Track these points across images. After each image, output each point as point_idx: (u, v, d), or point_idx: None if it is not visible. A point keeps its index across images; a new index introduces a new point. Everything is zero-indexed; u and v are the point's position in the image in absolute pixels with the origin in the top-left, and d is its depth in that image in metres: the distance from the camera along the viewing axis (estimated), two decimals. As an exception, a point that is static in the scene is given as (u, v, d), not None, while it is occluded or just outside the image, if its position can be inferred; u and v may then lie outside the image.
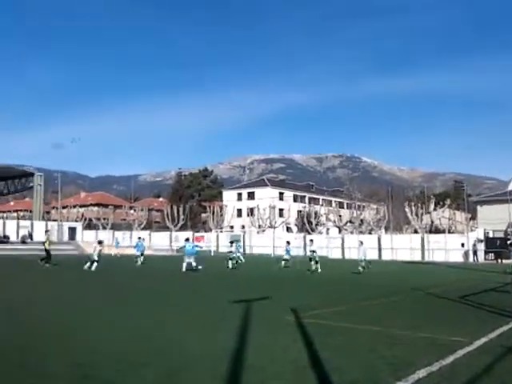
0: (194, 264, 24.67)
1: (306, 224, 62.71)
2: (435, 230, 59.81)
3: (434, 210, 62.82)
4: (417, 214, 52.76)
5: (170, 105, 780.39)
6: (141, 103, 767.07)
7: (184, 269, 24.65)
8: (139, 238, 36.15)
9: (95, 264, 24.98)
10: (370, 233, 59.09)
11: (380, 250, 49.01)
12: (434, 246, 46.62)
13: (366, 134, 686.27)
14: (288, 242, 34.80)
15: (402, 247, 48.03)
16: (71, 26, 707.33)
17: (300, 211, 76.69)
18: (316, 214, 65.81)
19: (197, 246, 28.18)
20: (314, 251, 27.37)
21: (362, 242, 29.50)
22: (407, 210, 53.56)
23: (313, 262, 26.38)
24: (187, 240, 27.42)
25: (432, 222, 59.72)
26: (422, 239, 47.78)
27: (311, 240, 32.06)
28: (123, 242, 66.34)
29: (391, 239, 50.35)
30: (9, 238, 61.75)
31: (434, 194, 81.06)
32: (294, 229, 75.50)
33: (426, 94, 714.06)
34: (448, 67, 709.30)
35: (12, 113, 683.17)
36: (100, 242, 27.36)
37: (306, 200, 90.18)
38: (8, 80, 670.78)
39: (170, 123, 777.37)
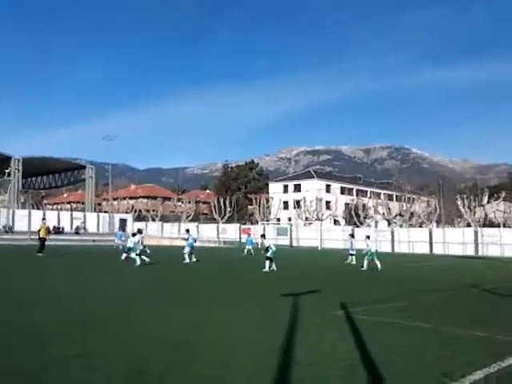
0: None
1: (354, 217, 61.82)
2: (489, 223, 57.63)
3: (488, 202, 60.40)
4: (469, 207, 50.97)
5: (217, 98, 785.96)
6: (189, 96, 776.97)
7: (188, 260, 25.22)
8: (187, 230, 30.51)
9: (136, 257, 23.14)
10: (420, 226, 57.62)
11: (431, 244, 47.70)
12: (488, 240, 44.87)
13: (416, 125, 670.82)
14: (352, 236, 31.10)
15: (454, 241, 46.52)
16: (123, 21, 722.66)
17: (347, 204, 75.71)
18: (364, 206, 64.74)
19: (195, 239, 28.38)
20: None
21: (368, 237, 26.81)
22: (459, 202, 51.82)
23: (366, 259, 23.80)
24: (188, 231, 28.17)
25: (486, 215, 57.48)
26: (476, 233, 46.08)
27: (367, 236, 27.46)
28: (170, 234, 67.58)
29: (443, 233, 48.86)
30: (63, 229, 64.06)
31: (487, 187, 78.14)
32: (342, 221, 74.62)
33: (481, 83, 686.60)
34: (507, 56, 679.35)
35: (64, 108, 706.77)
36: (140, 232, 25.53)
37: (354, 192, 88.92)
38: (61, 76, 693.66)
39: (217, 116, 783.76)
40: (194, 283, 16.29)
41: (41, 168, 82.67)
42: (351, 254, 27.77)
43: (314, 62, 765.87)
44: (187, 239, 27.10)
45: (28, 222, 56.08)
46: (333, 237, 54.19)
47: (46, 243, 28.92)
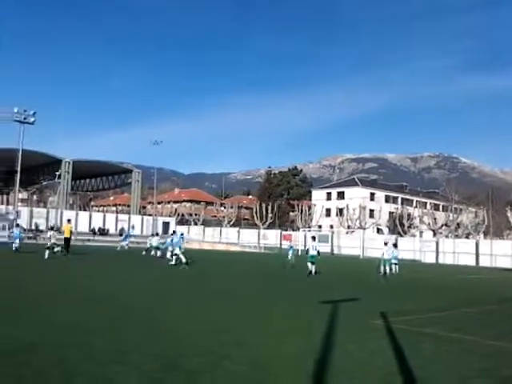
0: (159, 254, 25.77)
1: (398, 226, 60.58)
2: (541, 236, 55.26)
3: (541, 214, 57.94)
4: (520, 219, 49.09)
5: (262, 104, 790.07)
6: (233, 102, 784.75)
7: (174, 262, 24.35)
8: (174, 231, 30.29)
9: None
10: (466, 237, 55.91)
11: (477, 255, 46.14)
12: (539, 254, 43.04)
13: (466, 134, 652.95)
14: (395, 245, 30.66)
15: (502, 254, 44.81)
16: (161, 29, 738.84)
17: (392, 212, 74.32)
18: (409, 215, 63.39)
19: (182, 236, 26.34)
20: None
21: (393, 244, 28.56)
22: (509, 214, 49.94)
23: (385, 266, 25.01)
24: (174, 232, 27.91)
25: (538, 227, 55.17)
26: (526, 246, 44.29)
27: (394, 244, 29.67)
28: (212, 238, 68.13)
29: (491, 245, 47.13)
30: (108, 231, 65.68)
31: (540, 198, 74.94)
32: (385, 230, 73.26)
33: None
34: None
35: (114, 113, 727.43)
36: (157, 234, 26.32)
37: (399, 201, 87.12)
38: (111, 81, 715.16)
39: (261, 122, 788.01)
40: (231, 286, 16.27)
41: (89, 171, 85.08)
42: (395, 264, 26.94)
43: (359, 68, 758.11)
44: (171, 240, 26.73)
45: (75, 223, 57.75)
46: (375, 245, 53.21)
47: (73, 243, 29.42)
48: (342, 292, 15.33)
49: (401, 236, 56.69)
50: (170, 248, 26.91)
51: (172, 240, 26.79)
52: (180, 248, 24.73)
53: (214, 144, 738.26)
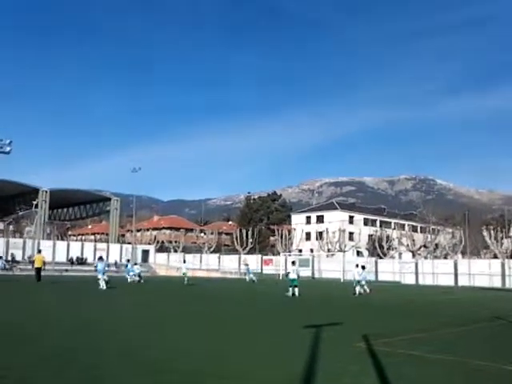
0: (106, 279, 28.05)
1: (378, 248, 61.01)
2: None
3: (516, 234, 59.04)
4: (496, 239, 49.86)
5: (239, 129, 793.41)
6: (209, 128, 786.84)
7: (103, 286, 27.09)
8: (100, 257, 34.12)
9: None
10: (445, 257, 56.51)
11: (456, 275, 46.64)
12: (515, 272, 43.70)
13: (441, 156, 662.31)
14: (363, 267, 31.18)
15: (480, 273, 45.39)
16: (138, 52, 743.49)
17: (371, 235, 74.83)
18: (388, 237, 63.90)
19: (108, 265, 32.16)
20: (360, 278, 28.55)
21: (361, 266, 30.33)
22: (485, 233, 50.76)
23: (358, 287, 27.48)
24: (101, 259, 31.30)
25: (514, 246, 56.08)
26: (503, 265, 44.95)
27: (362, 266, 30.78)
28: (193, 265, 67.43)
29: (469, 264, 47.74)
30: (86, 260, 64.66)
31: (515, 217, 76.37)
32: (365, 253, 73.66)
33: (506, 111, 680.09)
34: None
35: (89, 141, 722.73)
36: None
37: (377, 223, 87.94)
38: (84, 109, 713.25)
39: (238, 148, 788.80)
40: (214, 312, 16.15)
41: (67, 199, 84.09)
42: (362, 285, 28.60)
43: (335, 89, 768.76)
44: (96, 266, 30.66)
45: (52, 252, 56.79)
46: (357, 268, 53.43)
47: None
48: (325, 315, 15.36)
49: (380, 258, 57.02)
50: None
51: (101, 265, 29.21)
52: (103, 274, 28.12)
53: (192, 170, 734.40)
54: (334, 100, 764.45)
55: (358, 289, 27.20)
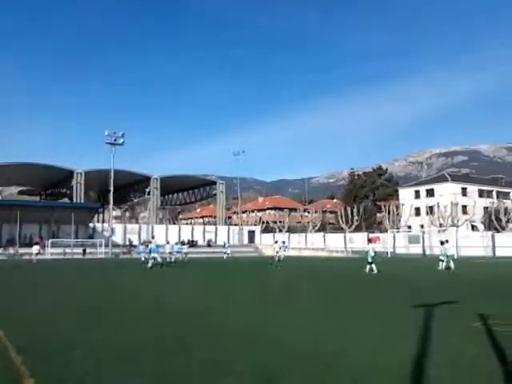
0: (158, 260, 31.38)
1: (495, 221, 56.83)
2: None
3: None
4: None
5: (340, 104, 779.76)
6: (310, 106, 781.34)
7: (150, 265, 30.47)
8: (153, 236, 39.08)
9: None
10: None
11: None
12: None
13: None
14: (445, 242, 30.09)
15: None
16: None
17: (487, 207, 69.93)
18: (506, 210, 59.24)
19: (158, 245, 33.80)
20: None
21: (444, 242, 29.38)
22: None
23: (444, 263, 27.54)
24: (144, 243, 35.74)
25: None
26: None
27: (446, 241, 30.14)
28: (298, 244, 67.66)
29: None
30: (197, 242, 67.55)
31: None
32: (480, 227, 69.02)
33: None
34: None
35: (194, 126, 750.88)
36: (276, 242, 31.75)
37: (494, 195, 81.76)
38: (190, 95, 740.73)
39: (340, 124, 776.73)
40: (320, 292, 15.84)
41: (176, 185, 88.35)
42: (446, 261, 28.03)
43: (443, 56, 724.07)
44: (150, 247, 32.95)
45: (165, 236, 59.99)
46: (471, 244, 50.26)
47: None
48: (436, 295, 14.43)
49: (497, 231, 53.08)
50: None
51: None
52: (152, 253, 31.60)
53: (294, 149, 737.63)
54: (441, 66, 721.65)
55: (452, 264, 26.98)
